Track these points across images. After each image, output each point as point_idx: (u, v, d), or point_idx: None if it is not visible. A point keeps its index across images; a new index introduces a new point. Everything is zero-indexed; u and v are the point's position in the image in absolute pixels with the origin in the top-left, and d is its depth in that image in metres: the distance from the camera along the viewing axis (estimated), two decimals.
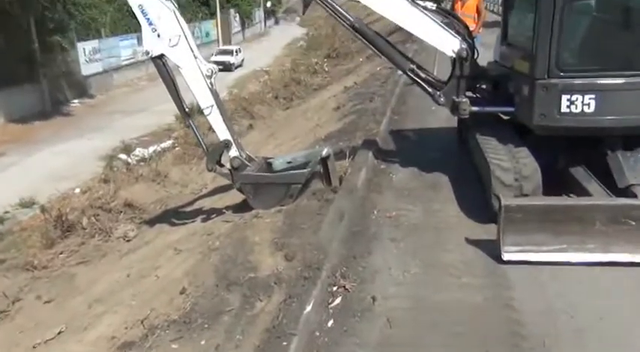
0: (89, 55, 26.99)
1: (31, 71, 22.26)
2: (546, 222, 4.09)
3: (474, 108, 5.37)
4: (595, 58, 4.68)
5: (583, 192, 4.61)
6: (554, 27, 4.45)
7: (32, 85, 22.67)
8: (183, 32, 5.44)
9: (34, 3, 21.00)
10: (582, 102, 4.45)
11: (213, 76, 5.56)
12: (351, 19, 5.54)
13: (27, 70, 21.87)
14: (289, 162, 5.87)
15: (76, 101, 25.73)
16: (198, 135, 5.88)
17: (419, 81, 5.65)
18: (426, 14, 5.33)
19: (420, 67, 5.75)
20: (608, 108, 4.47)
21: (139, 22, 5.43)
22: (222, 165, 5.79)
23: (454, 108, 5.45)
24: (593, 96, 4.44)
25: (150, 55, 5.49)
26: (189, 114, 5.84)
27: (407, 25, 5.40)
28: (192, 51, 5.48)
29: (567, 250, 4.06)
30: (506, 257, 4.05)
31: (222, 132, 5.65)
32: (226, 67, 31.21)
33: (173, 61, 5.54)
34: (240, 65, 33.86)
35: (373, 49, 5.72)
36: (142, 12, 5.33)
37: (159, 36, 5.39)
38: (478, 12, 9.84)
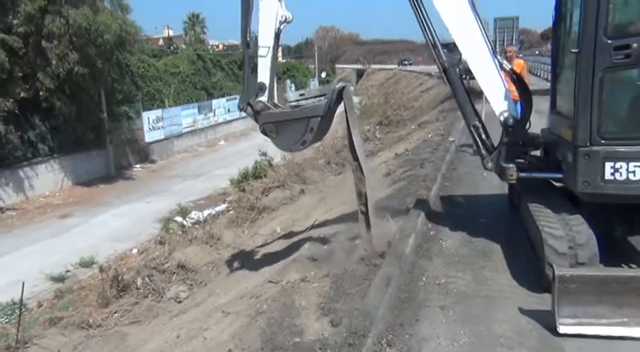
0: (152, 123, 28.65)
1: (98, 138, 23.79)
2: (604, 294, 3.90)
3: (522, 174, 5.32)
4: (637, 126, 4.58)
5: None
6: (594, 95, 4.45)
7: (99, 150, 24.20)
8: None
9: (105, 76, 22.72)
10: (627, 169, 4.37)
11: (284, 24, 5.76)
12: (444, 58, 5.69)
13: (95, 136, 23.36)
14: (302, 95, 6.02)
15: (138, 166, 27.14)
16: (246, 67, 6.05)
17: (477, 139, 5.68)
18: (498, 69, 5.43)
19: (484, 128, 5.75)
20: None
21: None
22: (252, 107, 5.89)
23: (501, 173, 5.43)
24: (638, 163, 4.35)
25: None
26: (249, 44, 5.96)
27: (477, 69, 5.47)
28: None
29: (629, 324, 3.85)
30: (562, 330, 3.87)
31: (264, 76, 5.83)
32: None
33: None
34: None
35: (453, 93, 5.82)
36: None
37: None
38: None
